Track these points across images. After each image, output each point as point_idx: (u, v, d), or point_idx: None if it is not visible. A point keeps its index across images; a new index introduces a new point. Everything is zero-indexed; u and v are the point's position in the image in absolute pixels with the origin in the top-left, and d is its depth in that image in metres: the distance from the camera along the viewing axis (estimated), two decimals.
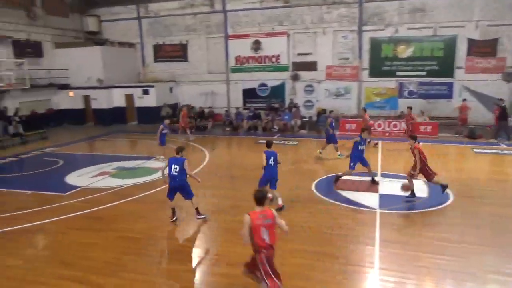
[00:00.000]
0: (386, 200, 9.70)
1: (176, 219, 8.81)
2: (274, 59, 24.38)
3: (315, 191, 10.67)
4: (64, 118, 25.41)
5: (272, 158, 9.16)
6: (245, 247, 7.09)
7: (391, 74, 22.29)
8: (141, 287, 6.18)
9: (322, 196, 10.17)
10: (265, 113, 22.66)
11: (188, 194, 8.69)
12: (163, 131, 14.48)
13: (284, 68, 24.20)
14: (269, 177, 9.22)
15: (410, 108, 17.57)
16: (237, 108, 23.87)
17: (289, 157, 15.68)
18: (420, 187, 10.71)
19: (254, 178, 12.19)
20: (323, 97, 23.57)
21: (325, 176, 12.02)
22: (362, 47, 22.57)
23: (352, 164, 11.00)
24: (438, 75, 21.44)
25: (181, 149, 8.77)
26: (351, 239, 7.63)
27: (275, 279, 5.01)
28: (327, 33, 22.99)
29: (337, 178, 11.11)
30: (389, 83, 22.37)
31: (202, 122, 23.00)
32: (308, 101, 23.91)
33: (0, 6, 21.72)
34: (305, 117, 21.97)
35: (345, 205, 9.47)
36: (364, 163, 11.21)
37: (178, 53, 26.45)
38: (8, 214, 9.47)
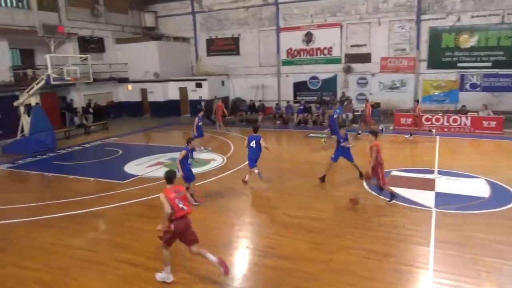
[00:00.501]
0: (443, 199, 9.21)
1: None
2: (326, 51, 23.95)
3: (366, 187, 10.39)
4: (123, 110, 26.84)
5: (254, 141, 10.37)
6: (296, 241, 7.11)
7: (451, 65, 21.03)
8: (192, 273, 6.41)
9: (374, 193, 9.87)
10: (316, 107, 22.36)
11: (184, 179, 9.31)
12: (199, 123, 15.06)
13: (336, 61, 23.68)
14: (252, 158, 10.47)
15: (417, 101, 16.99)
16: (288, 101, 23.80)
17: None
18: (482, 187, 10.08)
19: (302, 171, 12.21)
20: (377, 90, 22.82)
21: None
22: (420, 37, 21.49)
23: (333, 156, 10.95)
24: (505, 66, 19.90)
25: (188, 140, 9.48)
26: (404, 238, 7.36)
27: (168, 246, 6.02)
28: (382, 23, 22.15)
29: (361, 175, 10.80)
30: (450, 75, 21.13)
31: (252, 115, 23.20)
32: (361, 94, 23.24)
33: (69, 5, 23.33)
34: (357, 111, 21.39)
35: (398, 202, 9.13)
36: (335, 159, 10.89)
37: (230, 46, 26.81)
38: (74, 199, 10.23)
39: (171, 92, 26.45)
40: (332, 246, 7.12)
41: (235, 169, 12.57)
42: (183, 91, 26.17)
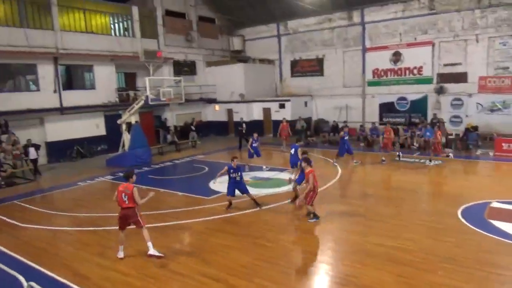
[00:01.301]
0: None
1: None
2: (415, 71, 22.79)
3: (461, 218, 9.47)
4: (210, 129, 28.29)
5: (293, 149, 12.39)
6: (380, 272, 6.77)
7: None
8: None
9: (470, 226, 8.94)
10: (404, 129, 21.22)
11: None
12: (253, 144, 15.21)
13: (427, 81, 22.37)
14: (291, 162, 12.44)
15: (438, 127, 15.98)
16: (373, 123, 22.97)
17: (430, 178, 14.36)
18: None
19: (388, 197, 11.63)
20: (474, 112, 20.92)
21: (475, 202, 10.58)
22: None
23: (297, 178, 10.97)
24: None
25: (232, 158, 10.94)
26: (508, 280, 6.52)
27: (121, 229, 7.97)
28: (481, 40, 20.45)
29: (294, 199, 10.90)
30: None
31: (335, 136, 22.79)
32: (456, 116, 21.53)
33: (166, 32, 25.64)
34: (450, 134, 19.81)
35: (502, 239, 8.12)
36: (299, 181, 10.80)
37: (314, 67, 26.93)
38: (163, 211, 10.98)
39: (255, 112, 27.24)
40: (421, 281, 6.58)
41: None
42: (266, 111, 26.78)
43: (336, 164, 16.16)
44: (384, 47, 23.61)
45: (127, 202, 7.74)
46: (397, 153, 17.11)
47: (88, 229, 9.83)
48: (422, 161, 16.61)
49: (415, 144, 19.67)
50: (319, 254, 8.02)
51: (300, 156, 11.08)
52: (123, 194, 7.76)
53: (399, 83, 23.45)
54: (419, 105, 22.73)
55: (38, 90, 19.48)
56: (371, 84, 24.47)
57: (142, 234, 7.86)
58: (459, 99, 21.42)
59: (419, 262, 7.24)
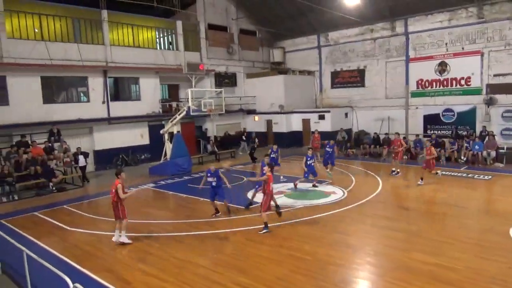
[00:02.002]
0: None
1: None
2: (463, 82, 21.84)
3: None
4: (249, 140, 28.46)
5: (308, 159, 14.26)
6: None
7: None
8: None
9: None
10: (450, 142, 20.31)
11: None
12: (271, 155, 15.08)
13: (475, 92, 21.35)
14: (309, 171, 14.18)
15: (431, 142, 15.16)
16: (417, 135, 22.17)
17: (478, 193, 13.59)
18: None
19: (431, 212, 11.13)
20: None
21: None
22: None
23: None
24: None
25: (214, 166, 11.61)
26: None
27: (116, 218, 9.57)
28: None
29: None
30: None
31: (376, 148, 22.22)
32: (507, 129, 20.32)
33: (209, 45, 26.35)
34: (501, 148, 18.71)
35: None
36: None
37: (355, 78, 26.55)
38: (202, 220, 11.16)
39: (295, 123, 27.21)
40: None
41: (355, 204, 12.11)
42: (306, 123, 26.66)
43: (330, 174, 16.15)
44: (429, 57, 22.87)
45: (114, 196, 9.27)
46: (396, 170, 16.62)
47: (130, 235, 10.16)
48: (470, 175, 15.80)
49: (462, 157, 18.78)
50: (358, 269, 7.80)
51: (266, 160, 11.94)
52: (113, 189, 9.25)
53: (445, 94, 22.57)
54: (467, 117, 21.70)
55: (88, 101, 20.60)
56: (415, 95, 23.72)
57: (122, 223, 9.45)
58: (511, 111, 20.23)
59: (466, 282, 6.85)
